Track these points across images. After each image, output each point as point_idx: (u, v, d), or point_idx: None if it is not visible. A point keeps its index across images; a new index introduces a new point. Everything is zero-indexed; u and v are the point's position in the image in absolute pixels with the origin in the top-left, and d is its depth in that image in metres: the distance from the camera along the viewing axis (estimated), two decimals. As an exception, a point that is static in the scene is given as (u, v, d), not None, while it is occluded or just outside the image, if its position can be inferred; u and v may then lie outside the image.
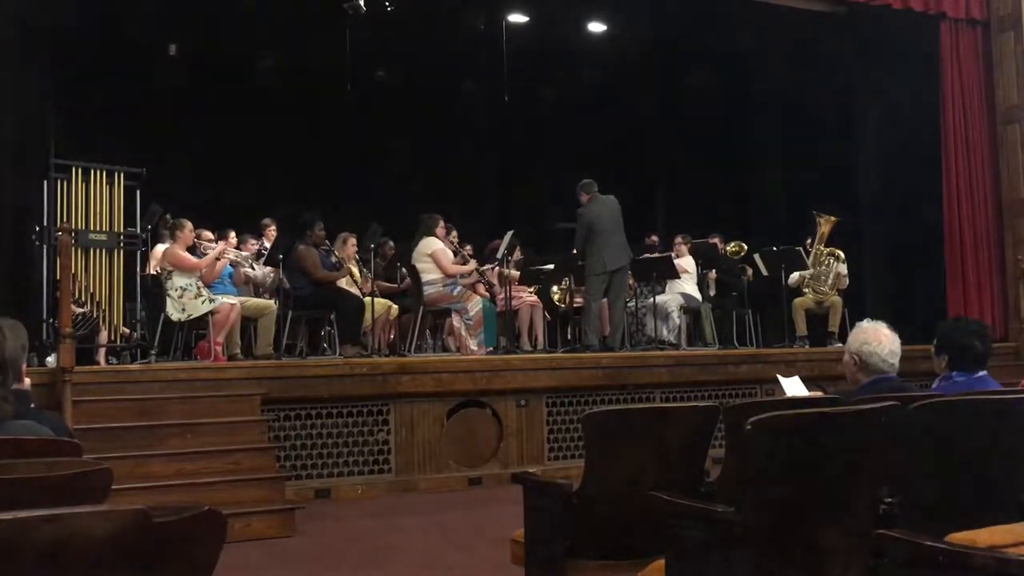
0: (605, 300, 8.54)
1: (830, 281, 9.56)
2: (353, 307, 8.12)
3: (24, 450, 2.28)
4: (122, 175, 7.08)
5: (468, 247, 9.52)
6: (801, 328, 9.44)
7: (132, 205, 7.26)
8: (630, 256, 8.68)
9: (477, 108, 12.50)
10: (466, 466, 7.21)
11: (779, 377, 4.67)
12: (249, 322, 7.80)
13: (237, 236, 8.63)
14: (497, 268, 9.20)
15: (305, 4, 9.68)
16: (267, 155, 11.45)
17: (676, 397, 7.79)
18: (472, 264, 8.96)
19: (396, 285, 9.40)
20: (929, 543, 1.97)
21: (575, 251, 8.63)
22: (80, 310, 7.12)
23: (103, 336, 7.37)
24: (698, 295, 9.75)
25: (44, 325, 6.87)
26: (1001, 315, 9.78)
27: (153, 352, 7.35)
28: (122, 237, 7.08)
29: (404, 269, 9.06)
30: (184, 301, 7.28)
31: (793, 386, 4.50)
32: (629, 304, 9.75)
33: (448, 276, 8.43)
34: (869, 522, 2.46)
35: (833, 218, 9.68)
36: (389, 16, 9.41)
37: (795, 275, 9.58)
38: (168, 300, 7.28)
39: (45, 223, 6.97)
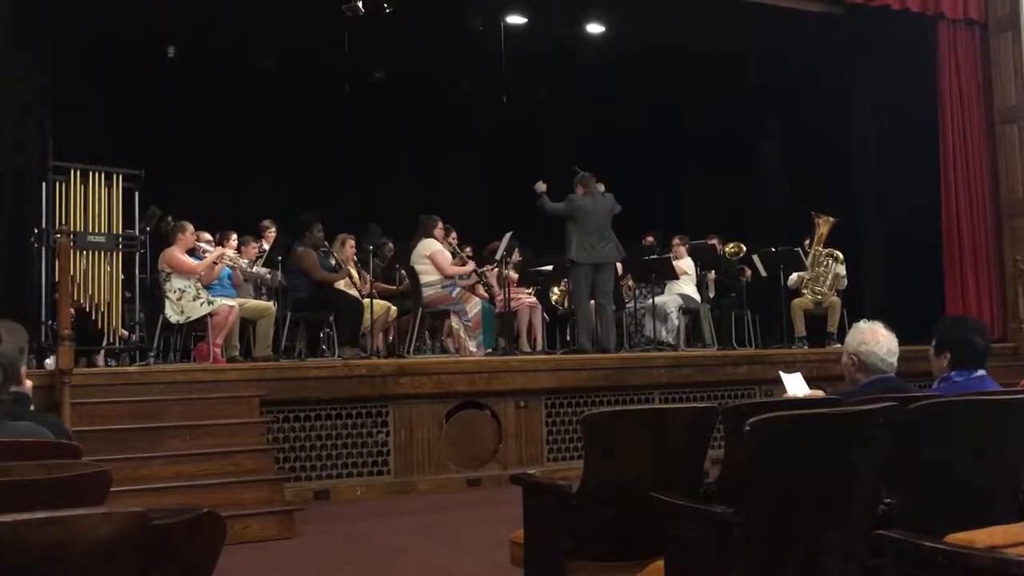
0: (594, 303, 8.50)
1: (828, 282, 9.57)
2: (352, 309, 8.12)
3: (23, 452, 2.28)
4: (120, 177, 7.07)
5: (467, 248, 9.52)
6: (800, 329, 9.45)
7: (130, 207, 7.25)
8: (616, 256, 8.53)
9: (475, 109, 12.51)
10: (465, 467, 7.21)
11: (781, 374, 4.67)
12: (248, 324, 7.80)
13: (237, 238, 8.63)
14: (496, 269, 9.20)
15: (303, 5, 9.68)
16: (266, 156, 11.47)
17: (675, 398, 7.79)
18: (471, 265, 8.96)
19: (395, 286, 9.39)
20: (928, 543, 1.97)
21: (544, 205, 8.42)
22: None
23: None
24: (697, 296, 9.76)
25: (43, 327, 6.86)
26: (999, 315, 9.78)
27: (152, 354, 7.35)
28: (120, 239, 7.07)
29: (403, 270, 9.06)
30: (183, 303, 7.28)
31: (795, 383, 4.50)
32: (628, 305, 9.75)
33: (447, 277, 8.44)
34: (868, 522, 2.47)
35: (831, 219, 9.69)
36: (387, 17, 9.41)
37: (794, 276, 9.59)
38: (167, 302, 7.28)
39: (44, 225, 6.96)
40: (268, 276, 8.26)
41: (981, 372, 3.47)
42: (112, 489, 1.97)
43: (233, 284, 8.06)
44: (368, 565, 4.95)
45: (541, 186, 8.50)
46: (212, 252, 7.73)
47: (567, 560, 3.04)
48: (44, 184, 6.94)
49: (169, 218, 8.00)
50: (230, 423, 6.13)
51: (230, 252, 8.13)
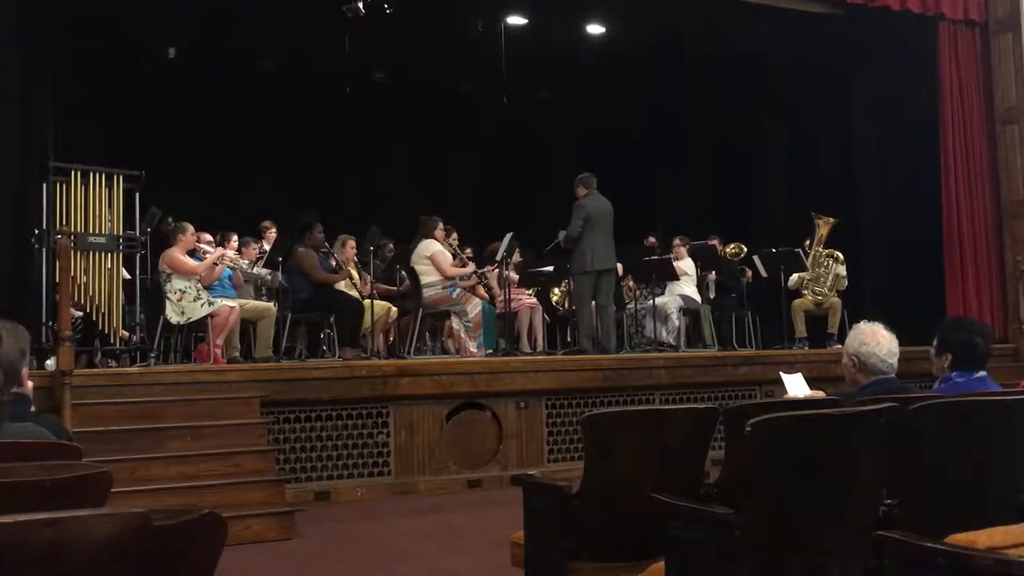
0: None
1: (829, 282, 9.57)
2: (352, 309, 8.12)
3: (23, 453, 2.28)
4: (121, 178, 7.07)
5: (468, 249, 9.52)
6: (800, 329, 9.45)
7: (131, 208, 7.26)
8: (616, 261, 8.60)
9: (476, 110, 12.51)
10: (466, 468, 7.21)
11: (782, 375, 4.67)
12: (249, 325, 7.80)
13: (238, 239, 8.63)
14: (496, 270, 9.20)
15: (304, 6, 9.68)
16: (266, 157, 11.47)
17: (675, 399, 7.79)
18: (471, 266, 8.96)
19: (395, 287, 9.40)
20: (928, 544, 1.97)
21: (566, 237, 8.37)
22: (78, 313, 7.12)
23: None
24: (697, 297, 9.76)
25: (43, 328, 6.86)
26: (1000, 316, 9.78)
27: (153, 355, 7.36)
28: (121, 240, 7.07)
29: (403, 271, 9.06)
30: (183, 304, 7.29)
31: (795, 383, 4.49)
32: (628, 306, 9.75)
33: (447, 278, 8.44)
34: (868, 523, 2.47)
35: (832, 219, 9.69)
36: (388, 18, 9.41)
37: (794, 276, 9.59)
38: (167, 303, 7.29)
39: (44, 226, 6.97)
40: (268, 277, 8.26)
41: (982, 373, 3.47)
42: (113, 490, 1.97)
43: (234, 285, 8.07)
44: (369, 566, 4.95)
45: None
46: (212, 253, 7.74)
47: (567, 561, 3.04)
48: (44, 185, 6.94)
49: (170, 219, 8.00)
50: (231, 424, 6.12)
51: (230, 253, 8.14)
